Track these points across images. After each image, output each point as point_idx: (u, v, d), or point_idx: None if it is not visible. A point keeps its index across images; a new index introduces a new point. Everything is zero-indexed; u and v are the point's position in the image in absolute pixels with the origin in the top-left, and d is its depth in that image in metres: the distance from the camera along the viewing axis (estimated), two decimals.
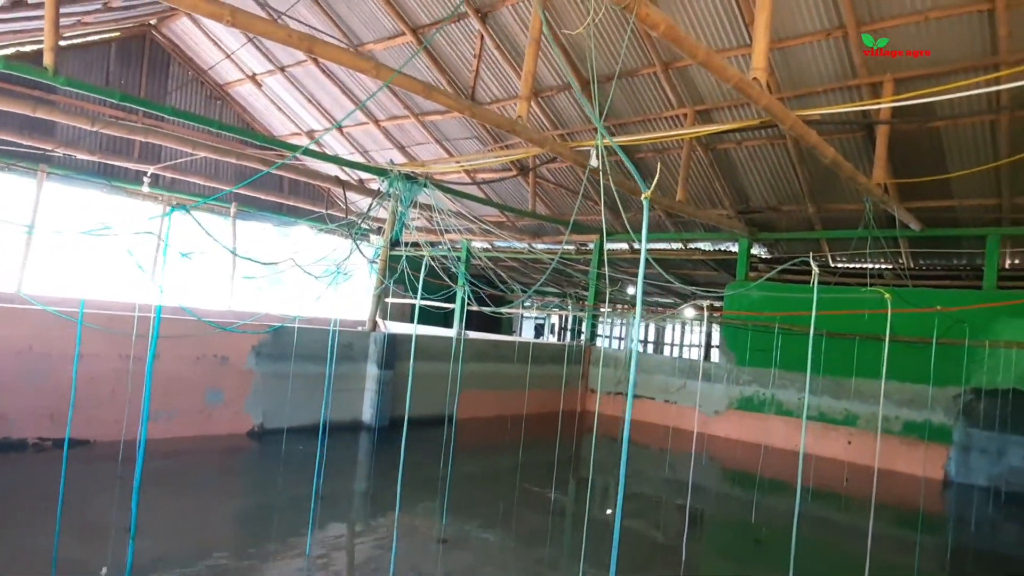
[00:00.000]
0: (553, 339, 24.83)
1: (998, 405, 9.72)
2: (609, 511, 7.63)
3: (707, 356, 19.74)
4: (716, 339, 18.40)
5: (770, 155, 11.05)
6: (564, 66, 10.81)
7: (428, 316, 20.07)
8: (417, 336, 11.26)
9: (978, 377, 9.96)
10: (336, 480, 7.31)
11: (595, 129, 11.89)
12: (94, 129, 9.61)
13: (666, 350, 22.62)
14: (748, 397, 12.23)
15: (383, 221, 15.23)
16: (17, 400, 6.94)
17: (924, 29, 7.89)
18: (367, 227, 17.98)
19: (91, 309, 7.70)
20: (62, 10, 11.61)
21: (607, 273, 16.37)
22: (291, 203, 16.36)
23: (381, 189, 10.84)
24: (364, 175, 16.60)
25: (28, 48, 13.62)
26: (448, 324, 18.61)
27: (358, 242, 11.06)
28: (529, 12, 9.67)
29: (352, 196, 16.74)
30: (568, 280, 19.25)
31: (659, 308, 19.28)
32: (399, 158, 15.61)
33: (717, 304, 14.66)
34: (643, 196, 2.77)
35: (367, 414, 10.06)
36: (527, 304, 25.26)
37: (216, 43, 15.09)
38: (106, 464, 6.94)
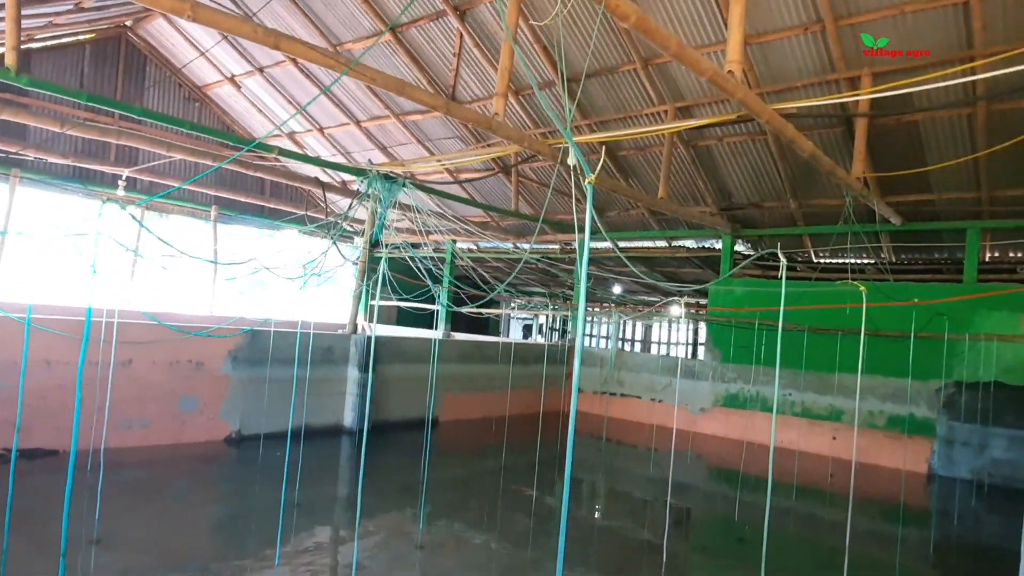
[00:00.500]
0: (542, 339, 24.77)
1: (980, 398, 9.73)
2: (597, 513, 7.57)
3: (694, 354, 19.74)
4: (703, 337, 18.40)
5: (751, 151, 11.02)
6: (543, 63, 10.75)
7: (416, 318, 19.98)
8: (398, 338, 11.21)
9: (960, 370, 9.97)
10: (313, 486, 7.20)
11: (577, 127, 11.84)
12: (64, 131, 9.45)
13: (654, 348, 22.60)
14: (733, 394, 12.20)
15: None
16: None
17: (900, 23, 7.88)
18: (350, 229, 17.88)
19: (59, 315, 7.57)
20: (32, 11, 11.45)
21: (591, 272, 16.34)
22: (271, 205, 16.16)
23: (360, 190, 10.71)
24: (346, 176, 16.46)
25: None
26: (435, 326, 18.48)
27: (337, 243, 10.95)
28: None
29: (334, 197, 16.61)
30: (554, 280, 19.20)
31: (643, 306, 19.25)
32: (381, 159, 15.49)
33: (704, 302, 14.64)
34: (587, 181, 2.72)
35: (348, 418, 9.94)
36: (514, 304, 25.19)
37: (193, 44, 14.91)
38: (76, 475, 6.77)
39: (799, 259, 12.21)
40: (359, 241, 19.23)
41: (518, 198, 13.27)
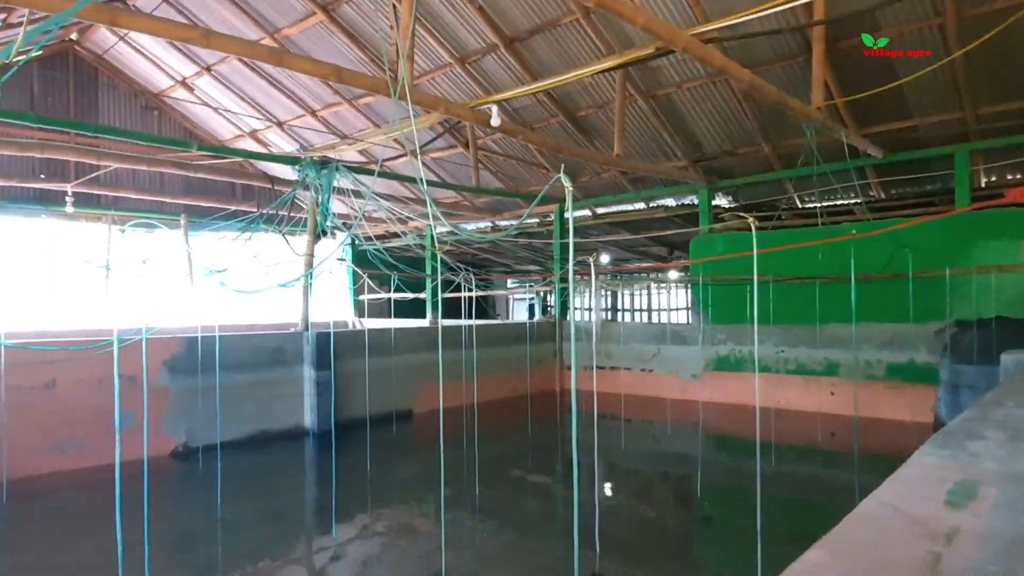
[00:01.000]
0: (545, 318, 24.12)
1: (983, 336, 8.90)
2: (608, 490, 7.03)
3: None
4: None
5: (714, 95, 10.21)
6: (480, 25, 10.06)
7: (404, 309, 19.47)
8: (358, 332, 10.67)
9: (960, 308, 9.15)
10: (258, 496, 6.75)
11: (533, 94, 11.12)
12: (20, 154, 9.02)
13: (653, 317, 21.82)
14: (724, 357, 11.47)
15: (347, 217, 14.64)
16: None
17: None
18: (334, 223, 17.35)
19: None
20: None
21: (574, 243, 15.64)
22: (234, 207, 15.63)
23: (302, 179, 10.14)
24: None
25: None
26: (424, 315, 17.95)
27: (286, 237, 10.42)
28: None
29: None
30: (544, 254, 18.51)
31: (627, 274, 18.52)
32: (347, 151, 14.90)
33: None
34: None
35: (308, 419, 9.44)
36: (511, 283, 24.59)
37: (139, 50, 14.44)
38: (4, 504, 6.35)
39: (782, 206, 11.38)
40: (340, 235, 18.79)
41: (478, 172, 12.58)
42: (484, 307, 22.83)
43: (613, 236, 15.84)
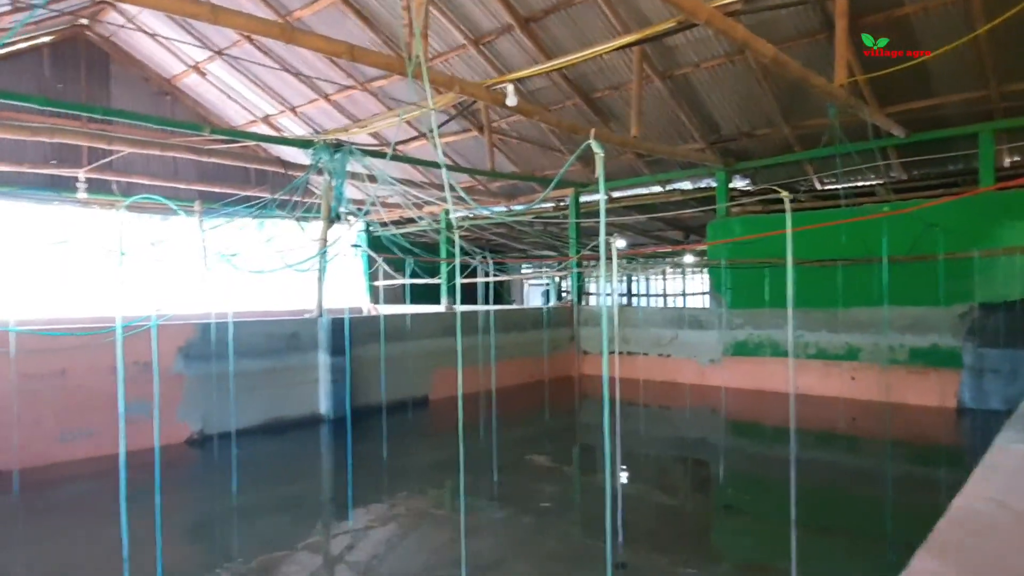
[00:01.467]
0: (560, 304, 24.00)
1: (1009, 319, 8.72)
2: (624, 475, 6.95)
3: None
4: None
5: (732, 75, 10.01)
6: (495, 5, 9.89)
7: (420, 295, 19.41)
8: (373, 317, 10.62)
9: (984, 291, 8.95)
10: (275, 484, 6.73)
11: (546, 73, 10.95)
12: (30, 138, 8.98)
13: (670, 302, 21.67)
14: (742, 341, 11.33)
15: (361, 203, 14.56)
16: None
17: None
18: (349, 209, 17.27)
19: None
20: None
21: (589, 226, 15.49)
22: (249, 193, 15.59)
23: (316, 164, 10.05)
24: None
25: None
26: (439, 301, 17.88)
27: (299, 222, 10.38)
28: None
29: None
30: (560, 239, 18.37)
31: (645, 257, 18.36)
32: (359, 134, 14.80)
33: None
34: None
35: (324, 406, 9.41)
36: (526, 268, 24.49)
37: (149, 34, 14.34)
38: (19, 494, 6.32)
39: (801, 188, 11.18)
40: (356, 222, 18.73)
41: (493, 156, 12.45)
42: (499, 293, 22.73)
43: (629, 219, 15.68)
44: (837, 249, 9.86)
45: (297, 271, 9.72)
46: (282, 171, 12.27)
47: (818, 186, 11.80)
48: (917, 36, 8.31)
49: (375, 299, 19.66)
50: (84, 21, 14.78)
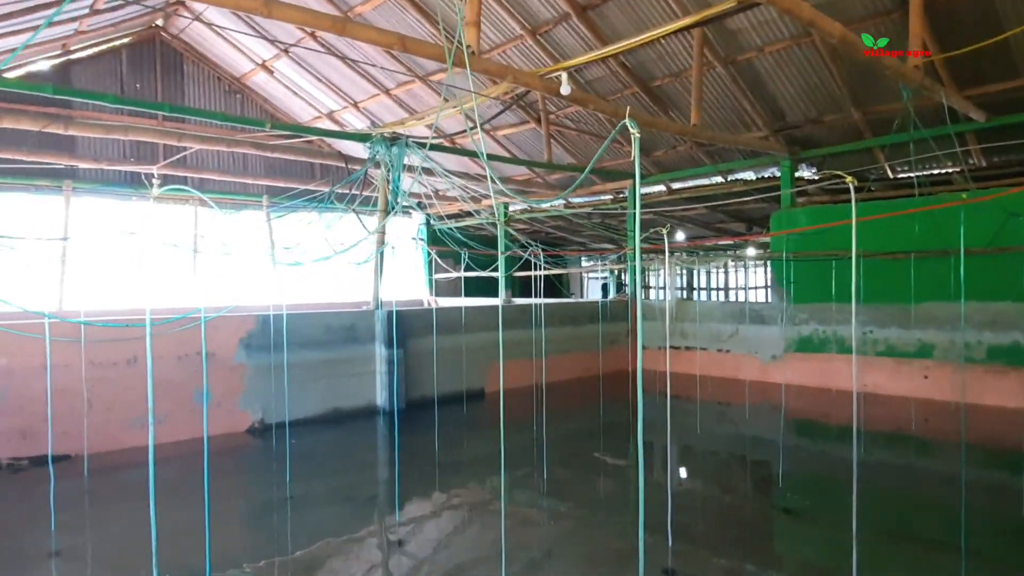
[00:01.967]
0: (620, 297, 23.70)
1: None
2: (679, 474, 6.85)
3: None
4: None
5: (798, 58, 9.61)
6: None
7: (479, 288, 19.52)
8: (428, 310, 10.71)
9: None
10: (331, 473, 6.86)
11: (599, 61, 10.79)
12: (106, 136, 9.43)
13: (731, 296, 21.10)
14: (807, 337, 10.92)
15: (419, 196, 14.74)
16: None
17: None
18: (407, 201, 17.49)
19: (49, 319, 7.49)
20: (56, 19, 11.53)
21: (648, 218, 15.27)
22: (310, 187, 15.98)
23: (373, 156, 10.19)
24: None
25: (38, 67, 13.83)
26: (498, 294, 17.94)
27: (358, 215, 10.53)
28: None
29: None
30: (618, 231, 18.15)
31: (705, 250, 17.89)
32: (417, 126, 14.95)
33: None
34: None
35: (381, 398, 9.55)
36: (586, 261, 24.30)
37: (219, 34, 14.84)
38: (89, 479, 6.63)
39: (872, 176, 10.66)
40: (416, 215, 18.96)
41: (550, 147, 12.35)
42: (558, 286, 22.65)
43: (689, 211, 15.34)
44: (910, 241, 9.38)
45: (355, 264, 9.90)
46: (343, 165, 12.51)
47: (890, 175, 11.23)
48: (999, 12, 7.78)
49: (437, 292, 19.89)
50: (159, 22, 15.42)
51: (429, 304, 18.75)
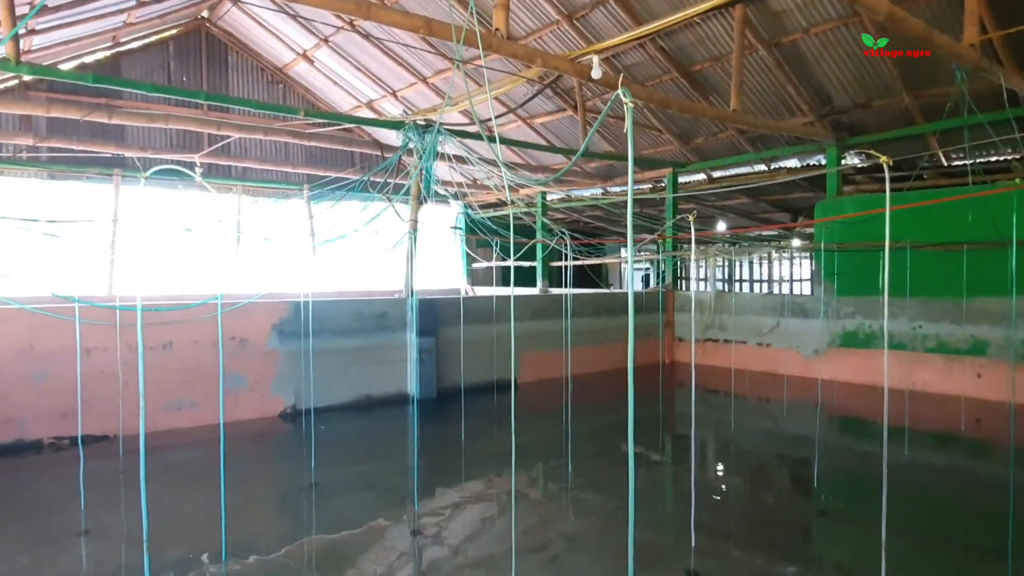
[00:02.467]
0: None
1: None
2: (711, 472, 6.67)
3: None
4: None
5: (846, 40, 9.19)
6: None
7: (517, 277, 19.41)
8: (461, 299, 10.64)
9: None
10: (361, 460, 6.90)
11: (634, 43, 10.54)
12: (150, 125, 9.61)
13: (764, 287, 20.54)
14: (852, 332, 10.50)
15: (454, 185, 14.71)
16: (26, 401, 6.96)
17: None
18: (445, 191, 17.49)
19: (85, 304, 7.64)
20: (104, 11, 11.79)
21: (688, 210, 14.86)
22: (346, 175, 16.04)
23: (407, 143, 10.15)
24: None
25: (91, 59, 14.22)
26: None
27: (392, 202, 10.52)
28: None
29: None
30: (658, 221, 17.81)
31: (747, 241, 17.38)
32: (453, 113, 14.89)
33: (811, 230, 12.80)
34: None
35: (412, 385, 9.53)
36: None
37: (263, 24, 15.01)
38: (123, 459, 6.76)
39: (924, 163, 10.15)
40: (455, 204, 18.94)
41: (585, 134, 12.12)
42: (596, 277, 22.38)
43: (731, 201, 14.93)
44: (963, 231, 8.90)
45: (386, 250, 9.90)
46: (379, 153, 12.53)
47: (944, 162, 10.69)
48: None
49: (475, 281, 19.87)
50: (205, 14, 15.68)
51: (467, 293, 18.75)
